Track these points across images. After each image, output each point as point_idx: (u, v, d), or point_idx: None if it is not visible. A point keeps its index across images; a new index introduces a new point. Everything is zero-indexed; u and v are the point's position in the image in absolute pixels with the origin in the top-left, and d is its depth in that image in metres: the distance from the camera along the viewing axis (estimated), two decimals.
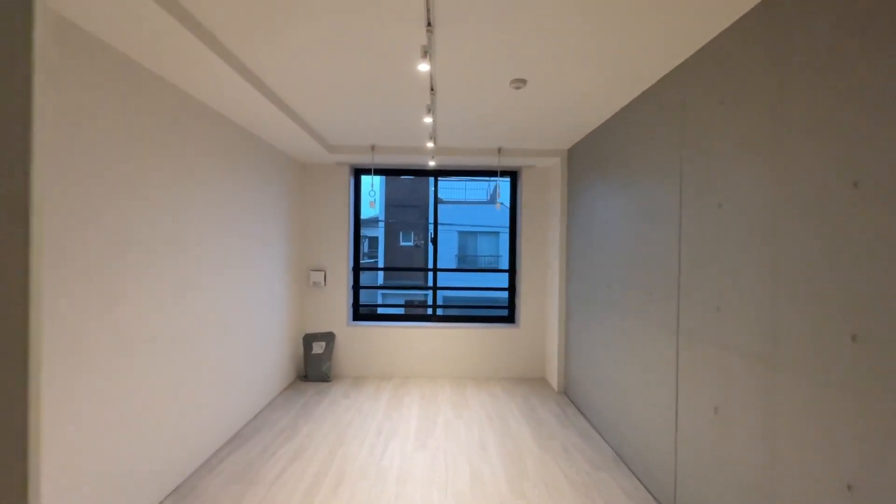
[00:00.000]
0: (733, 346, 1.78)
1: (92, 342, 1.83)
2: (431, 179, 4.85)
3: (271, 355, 3.83)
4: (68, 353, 1.71)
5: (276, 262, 3.88)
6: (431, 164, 4.17)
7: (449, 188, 16.49)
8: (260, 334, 3.56)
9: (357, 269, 4.77)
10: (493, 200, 16.91)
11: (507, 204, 4.82)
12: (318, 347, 4.43)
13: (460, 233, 14.92)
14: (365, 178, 4.76)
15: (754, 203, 1.68)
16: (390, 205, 15.35)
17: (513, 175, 4.74)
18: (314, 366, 4.39)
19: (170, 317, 2.35)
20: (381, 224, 15.76)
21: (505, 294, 4.99)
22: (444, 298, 14.16)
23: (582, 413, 3.61)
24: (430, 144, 3.32)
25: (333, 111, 3.07)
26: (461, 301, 14.06)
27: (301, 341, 4.57)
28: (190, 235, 2.53)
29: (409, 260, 15.34)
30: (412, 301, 14.67)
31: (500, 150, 4.05)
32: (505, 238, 14.74)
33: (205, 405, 2.72)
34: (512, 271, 4.79)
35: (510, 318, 4.80)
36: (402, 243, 15.49)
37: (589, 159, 3.52)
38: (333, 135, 3.74)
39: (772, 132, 1.60)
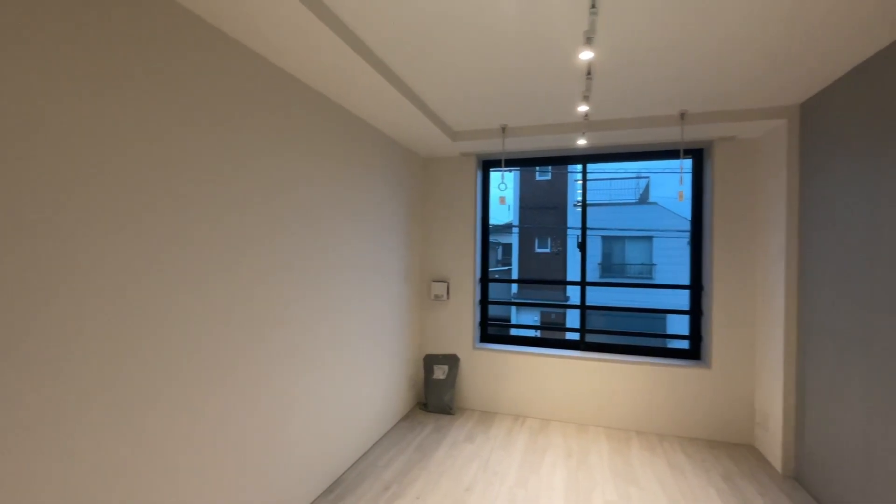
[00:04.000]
0: None
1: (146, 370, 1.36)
2: (571, 175, 3.80)
3: (387, 379, 3.26)
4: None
5: (394, 270, 3.32)
6: (581, 142, 3.16)
7: (590, 189, 14.81)
8: (375, 354, 3.01)
9: (485, 280, 3.99)
10: (644, 200, 14.64)
11: (688, 196, 3.50)
12: (440, 372, 3.76)
13: (604, 238, 13.18)
14: (494, 175, 3.96)
15: None
16: (525, 207, 14.40)
17: (696, 155, 3.42)
18: (435, 393, 3.72)
19: (261, 330, 1.86)
20: (515, 230, 14.90)
21: (682, 318, 3.62)
22: (588, 319, 12.57)
23: None
24: (582, 108, 2.35)
25: (455, 78, 2.33)
26: (609, 323, 12.41)
27: (421, 363, 3.96)
28: (293, 237, 2.03)
29: (545, 269, 14.11)
30: (548, 317, 13.42)
31: (683, 114, 2.83)
32: (663, 243, 12.49)
33: (297, 445, 2.20)
34: (696, 288, 3.45)
35: (694, 353, 3.45)
36: (537, 250, 14.38)
37: (859, 112, 2.12)
38: (456, 117, 3.02)
39: None
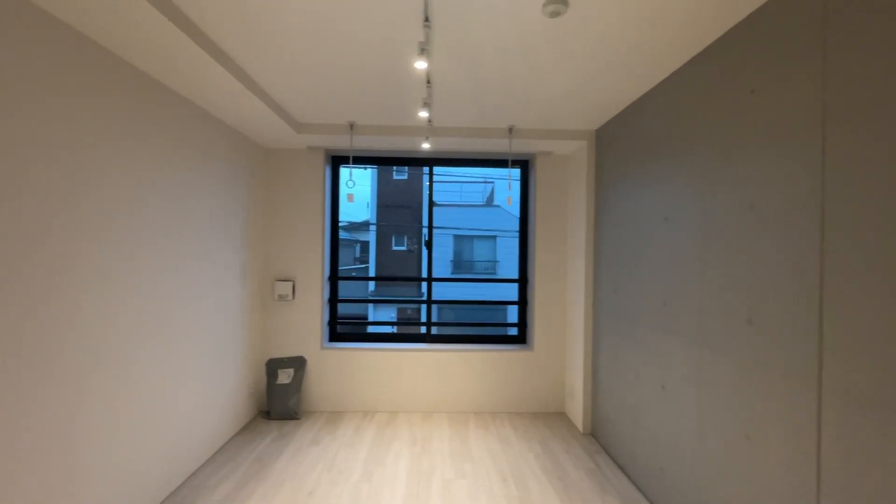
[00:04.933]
0: None
1: None
2: (426, 175, 3.99)
3: (223, 389, 2.95)
4: None
5: (229, 269, 3.01)
6: (425, 146, 3.34)
7: (443, 190, 15.70)
8: (208, 363, 2.69)
9: (335, 278, 3.92)
10: (489, 203, 16.11)
11: (516, 200, 3.99)
12: (285, 376, 3.56)
13: (455, 237, 14.10)
14: (345, 171, 3.92)
15: None
16: (382, 205, 14.51)
17: (524, 165, 3.92)
18: (280, 399, 3.51)
19: (56, 332, 1.48)
20: (373, 227, 14.90)
21: (515, 308, 4.11)
22: (441, 312, 13.30)
23: (620, 466, 2.78)
24: (423, 114, 2.49)
25: (296, 69, 2.23)
26: (460, 315, 13.25)
27: (264, 368, 3.69)
28: (100, 231, 1.67)
29: (402, 266, 14.46)
30: (404, 313, 13.79)
31: (511, 129, 3.22)
32: (504, 242, 13.92)
33: (92, 474, 1.85)
34: (523, 281, 3.95)
35: (521, 339, 3.96)
36: (394, 248, 14.63)
37: (632, 140, 2.71)
38: (302, 109, 2.90)
39: None
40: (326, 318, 3.83)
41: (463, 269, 14.08)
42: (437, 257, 13.73)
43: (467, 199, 15.61)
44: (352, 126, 3.18)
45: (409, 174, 14.40)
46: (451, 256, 14.05)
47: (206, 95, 2.44)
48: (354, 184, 3.13)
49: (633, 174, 2.67)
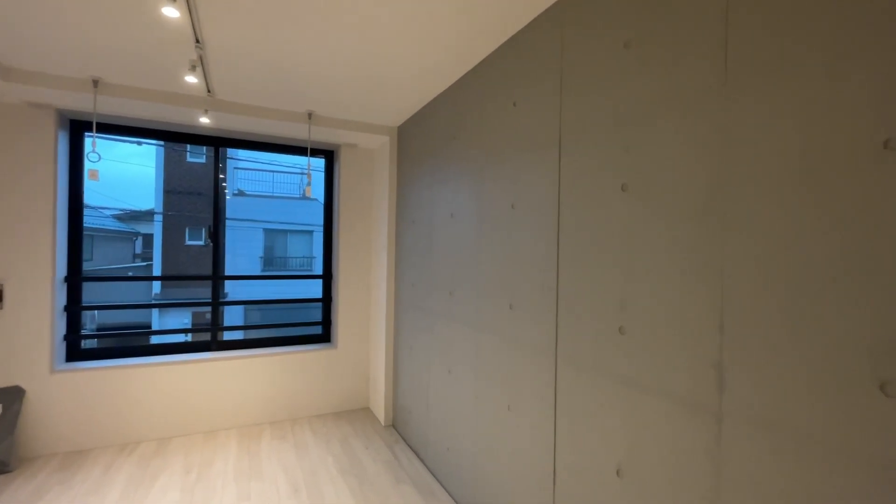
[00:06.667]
0: (647, 383, 1.26)
1: None
2: (231, 163, 3.43)
3: None
4: None
5: None
6: (204, 121, 2.84)
7: (253, 180, 14.13)
8: None
9: (75, 278, 3.02)
10: (305, 196, 15.23)
11: (320, 192, 3.79)
12: None
13: (266, 231, 12.86)
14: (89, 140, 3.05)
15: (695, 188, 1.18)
16: (171, 192, 12.20)
17: (329, 155, 3.73)
18: None
19: None
20: (159, 217, 12.42)
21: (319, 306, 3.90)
22: (248, 314, 11.91)
23: (416, 453, 2.89)
24: (191, 79, 2.07)
25: None
26: (270, 317, 12.24)
27: None
28: None
29: (199, 263, 12.45)
30: (202, 317, 11.92)
31: (310, 115, 3.01)
32: (320, 237, 13.34)
33: None
34: (327, 277, 3.78)
35: (325, 337, 3.78)
36: (188, 241, 12.48)
37: (427, 139, 2.83)
38: (11, 47, 2.10)
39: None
40: (62, 331, 2.93)
41: (276, 266, 12.97)
42: (245, 253, 12.31)
43: (281, 191, 14.40)
44: (96, 83, 2.48)
45: (206, 157, 12.47)
46: (261, 252, 12.76)
47: None
48: (99, 157, 2.43)
49: (428, 172, 2.79)
